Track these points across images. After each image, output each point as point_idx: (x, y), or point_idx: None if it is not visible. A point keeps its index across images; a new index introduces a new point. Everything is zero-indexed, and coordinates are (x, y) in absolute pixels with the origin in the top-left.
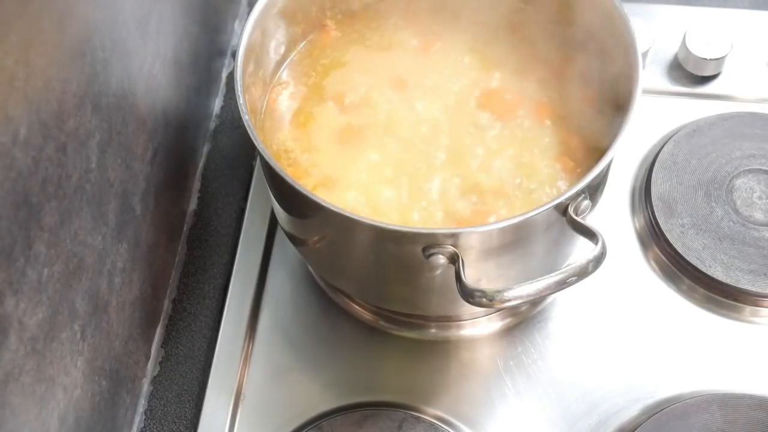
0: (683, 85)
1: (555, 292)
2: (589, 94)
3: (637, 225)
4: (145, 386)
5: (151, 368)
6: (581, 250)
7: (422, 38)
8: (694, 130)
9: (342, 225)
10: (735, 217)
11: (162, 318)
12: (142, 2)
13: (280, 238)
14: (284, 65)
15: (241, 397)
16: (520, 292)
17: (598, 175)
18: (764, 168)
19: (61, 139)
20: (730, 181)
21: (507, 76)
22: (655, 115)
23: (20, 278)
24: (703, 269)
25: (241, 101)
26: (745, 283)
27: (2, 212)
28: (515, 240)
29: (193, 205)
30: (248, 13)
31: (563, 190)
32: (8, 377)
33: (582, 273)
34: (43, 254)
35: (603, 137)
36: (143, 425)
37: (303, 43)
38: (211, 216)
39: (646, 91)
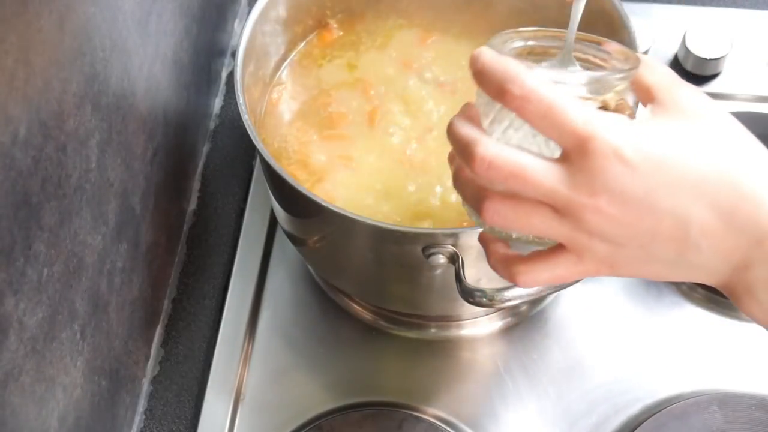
0: None
1: (555, 291)
2: None
3: None
4: (145, 386)
5: (151, 368)
6: None
7: (421, 34)
8: None
9: (342, 225)
10: None
11: (162, 318)
12: (142, 2)
13: (280, 238)
14: (284, 65)
15: (241, 397)
16: (520, 292)
17: None
18: None
19: (61, 139)
20: None
21: None
22: None
23: (20, 278)
24: None
25: (241, 101)
26: None
27: (2, 212)
28: None
29: (192, 204)
30: (248, 13)
31: None
32: (8, 377)
33: None
34: (43, 254)
35: None
36: (143, 425)
37: (303, 43)
38: (211, 216)
39: None
